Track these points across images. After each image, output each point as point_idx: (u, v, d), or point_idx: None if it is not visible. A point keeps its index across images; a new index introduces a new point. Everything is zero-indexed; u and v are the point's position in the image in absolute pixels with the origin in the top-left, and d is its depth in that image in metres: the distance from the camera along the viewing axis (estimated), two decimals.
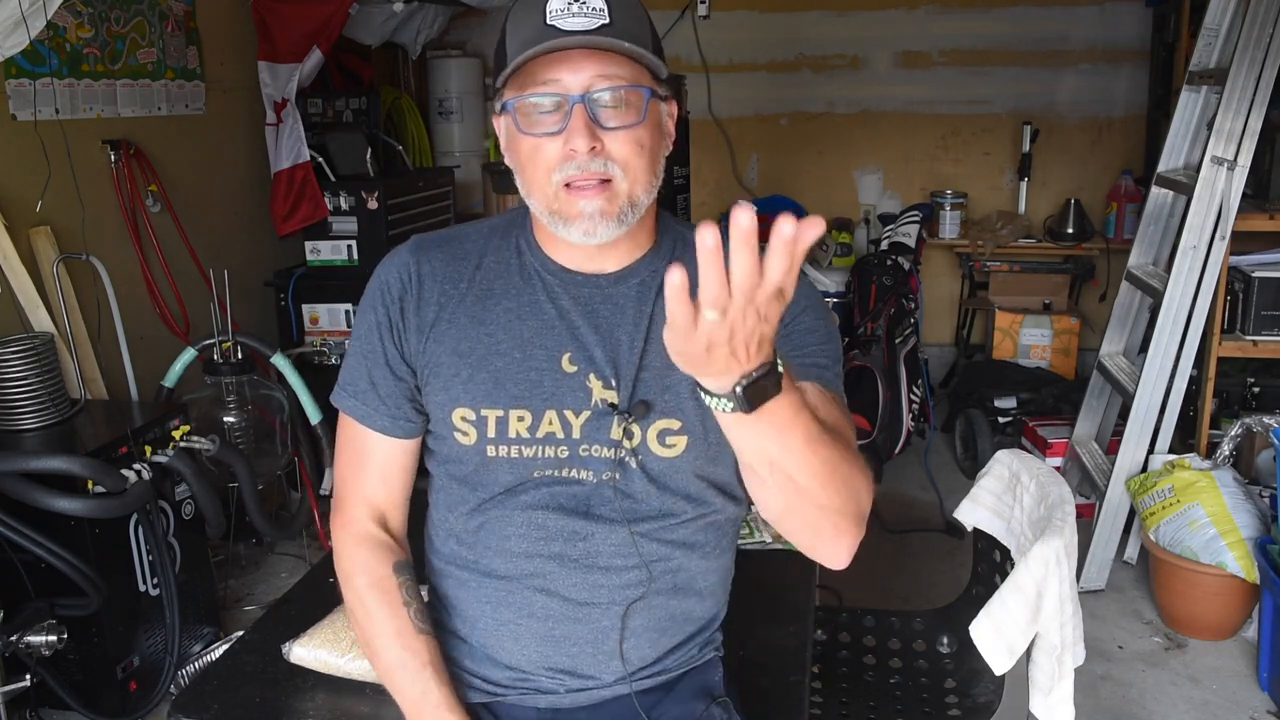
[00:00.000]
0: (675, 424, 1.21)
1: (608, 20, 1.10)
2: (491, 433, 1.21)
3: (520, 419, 1.21)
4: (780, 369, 0.92)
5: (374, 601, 1.25)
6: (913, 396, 3.89)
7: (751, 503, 1.33)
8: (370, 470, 1.29)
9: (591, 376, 1.21)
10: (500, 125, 1.20)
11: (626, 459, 1.21)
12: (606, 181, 1.13)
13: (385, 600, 1.25)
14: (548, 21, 1.09)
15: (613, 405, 1.20)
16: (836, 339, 1.25)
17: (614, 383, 1.20)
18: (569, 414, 1.21)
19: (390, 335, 1.25)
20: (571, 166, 1.12)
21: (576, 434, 1.21)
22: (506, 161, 1.21)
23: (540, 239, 1.25)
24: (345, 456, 1.32)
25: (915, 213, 4.32)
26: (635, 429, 1.20)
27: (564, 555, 1.22)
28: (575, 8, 1.10)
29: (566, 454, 1.21)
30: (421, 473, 1.34)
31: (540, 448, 1.21)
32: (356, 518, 1.29)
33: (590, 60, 1.11)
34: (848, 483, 1.03)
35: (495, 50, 1.18)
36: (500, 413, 1.21)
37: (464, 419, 1.22)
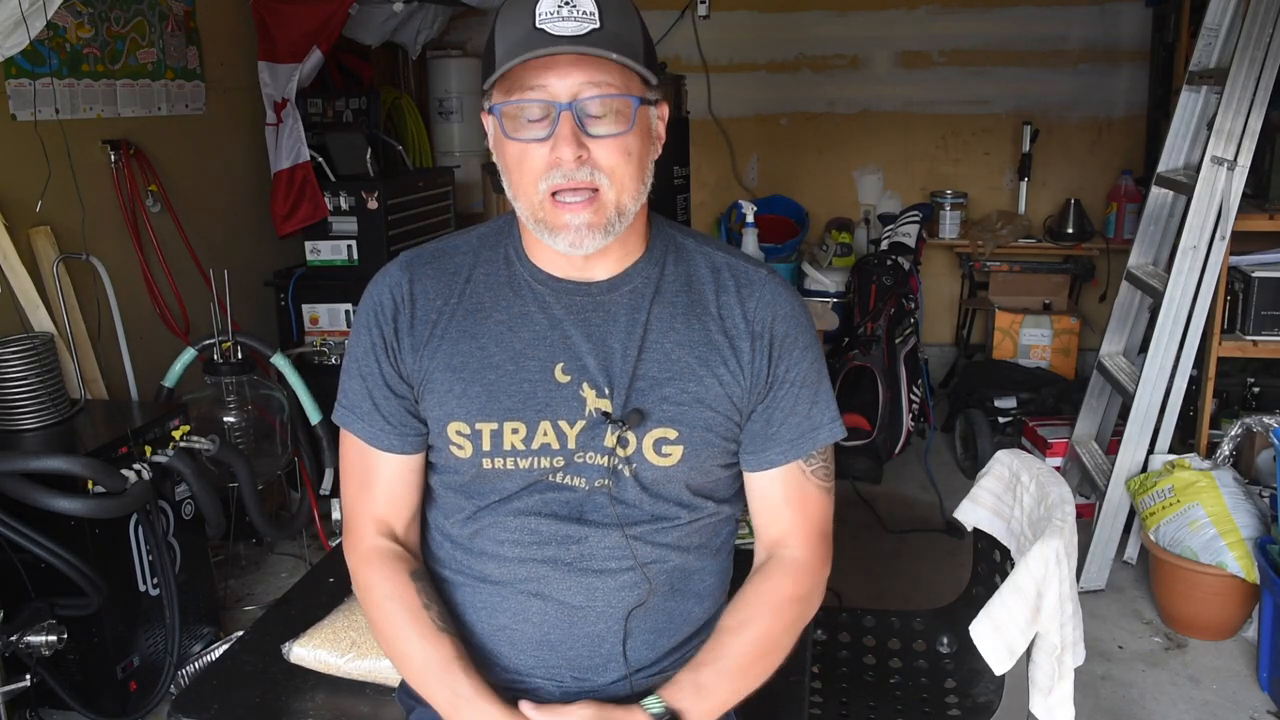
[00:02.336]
0: (672, 433, 1.21)
1: (598, 25, 1.08)
2: (487, 445, 1.21)
3: (515, 431, 1.20)
4: None
5: (394, 610, 1.24)
6: (913, 396, 3.89)
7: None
8: (377, 490, 1.29)
9: (585, 386, 1.20)
10: (488, 124, 1.20)
11: (620, 467, 1.21)
12: (594, 191, 1.13)
13: (406, 606, 1.24)
14: (537, 24, 1.08)
15: (606, 414, 1.19)
16: (824, 367, 1.29)
17: (607, 391, 1.20)
18: (563, 424, 1.20)
19: (386, 355, 1.24)
20: (558, 175, 1.12)
21: (572, 444, 1.21)
22: (494, 159, 1.21)
23: (529, 247, 1.25)
24: (350, 477, 1.31)
25: (915, 213, 4.32)
26: (630, 437, 1.20)
27: (558, 559, 1.22)
28: (565, 11, 1.08)
29: (562, 463, 1.21)
30: None
31: (536, 459, 1.21)
32: (365, 535, 1.29)
33: (579, 67, 1.10)
34: (786, 640, 1.25)
35: (485, 48, 1.17)
36: (495, 425, 1.21)
37: (459, 433, 1.22)
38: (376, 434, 1.26)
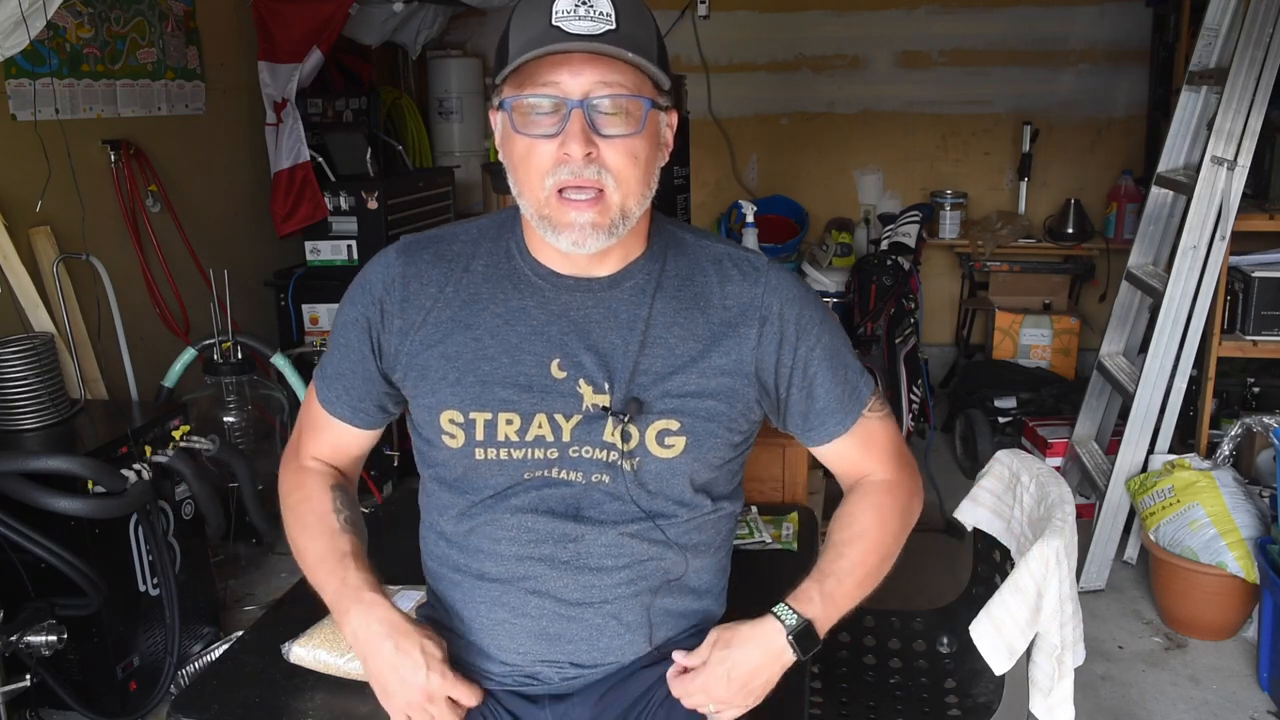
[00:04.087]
0: (674, 424, 1.21)
1: (614, 26, 1.09)
2: (480, 435, 1.21)
3: (509, 422, 1.21)
4: (803, 632, 1.20)
5: (305, 510, 1.30)
6: (913, 396, 3.89)
7: (746, 503, 1.35)
8: (324, 439, 1.36)
9: (581, 382, 1.20)
10: (496, 121, 1.20)
11: (619, 461, 1.21)
12: (599, 192, 1.13)
13: (316, 508, 1.29)
14: (553, 22, 1.09)
15: (605, 409, 1.20)
16: (841, 330, 1.33)
17: (605, 387, 1.20)
18: (559, 418, 1.21)
19: (367, 333, 1.26)
20: (565, 171, 1.12)
21: (566, 436, 1.21)
22: (500, 157, 1.21)
23: (531, 242, 1.25)
24: (306, 420, 1.38)
25: (915, 213, 4.32)
26: (633, 430, 1.20)
27: (554, 557, 1.22)
28: (582, 10, 1.09)
29: (556, 455, 1.21)
30: (416, 474, 1.34)
31: (529, 450, 1.21)
32: (303, 457, 1.36)
33: (592, 66, 1.10)
34: (895, 549, 1.31)
35: (498, 45, 1.17)
36: (489, 416, 1.21)
37: (452, 421, 1.22)
38: (333, 399, 1.32)
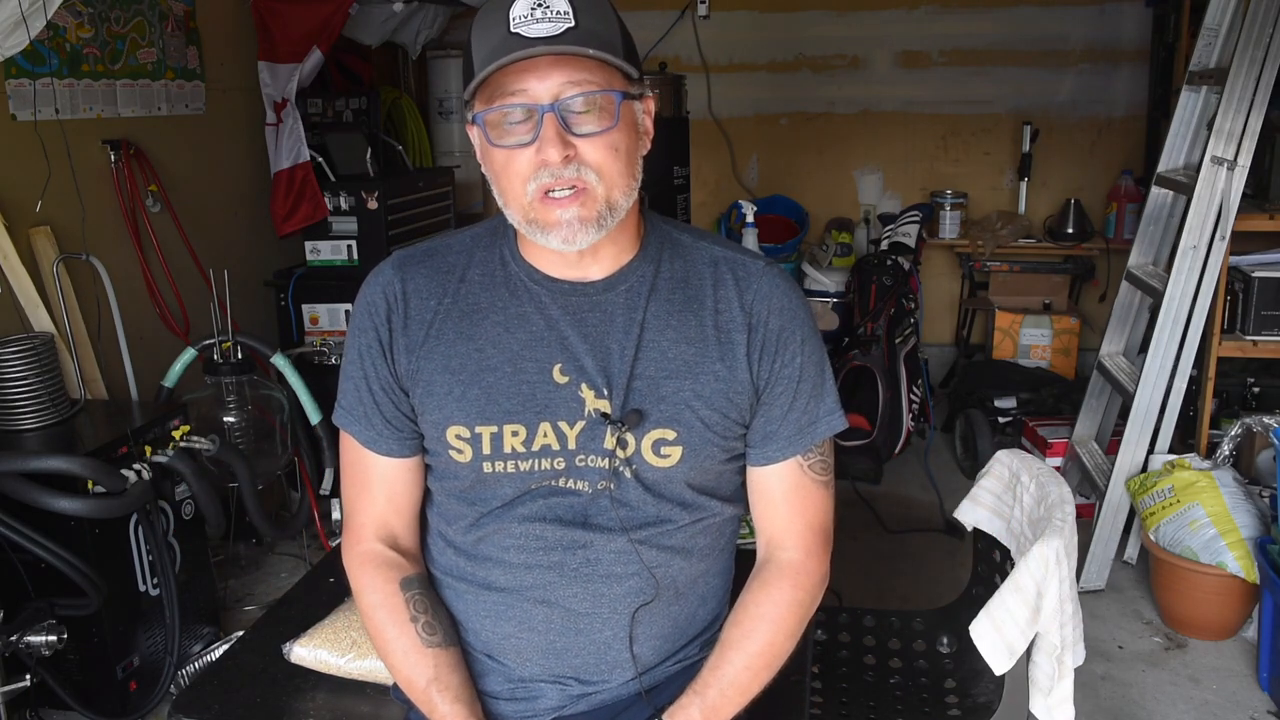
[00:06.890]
0: (670, 434, 1.20)
1: (573, 23, 1.07)
2: (487, 449, 1.21)
3: (515, 434, 1.20)
4: None
5: (381, 620, 1.26)
6: (913, 396, 3.89)
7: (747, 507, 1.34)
8: (376, 492, 1.29)
9: (583, 386, 1.20)
10: (473, 135, 1.19)
11: (621, 468, 1.20)
12: (583, 189, 1.12)
13: (392, 619, 1.25)
14: (512, 29, 1.07)
15: (605, 415, 1.19)
16: (824, 358, 1.28)
17: (606, 392, 1.19)
18: (563, 425, 1.20)
19: (383, 357, 1.24)
20: (546, 174, 1.11)
21: (572, 445, 1.20)
22: (483, 171, 1.20)
23: (524, 248, 1.24)
24: (351, 477, 1.31)
25: (915, 213, 4.32)
26: (629, 438, 1.20)
27: (563, 565, 1.22)
28: (539, 13, 1.07)
29: (563, 465, 1.21)
30: None
31: (536, 461, 1.21)
32: (363, 537, 1.29)
33: (558, 67, 1.09)
34: (789, 648, 1.26)
35: (463, 59, 1.16)
36: (494, 429, 1.20)
37: (458, 437, 1.21)
38: (375, 437, 1.26)
